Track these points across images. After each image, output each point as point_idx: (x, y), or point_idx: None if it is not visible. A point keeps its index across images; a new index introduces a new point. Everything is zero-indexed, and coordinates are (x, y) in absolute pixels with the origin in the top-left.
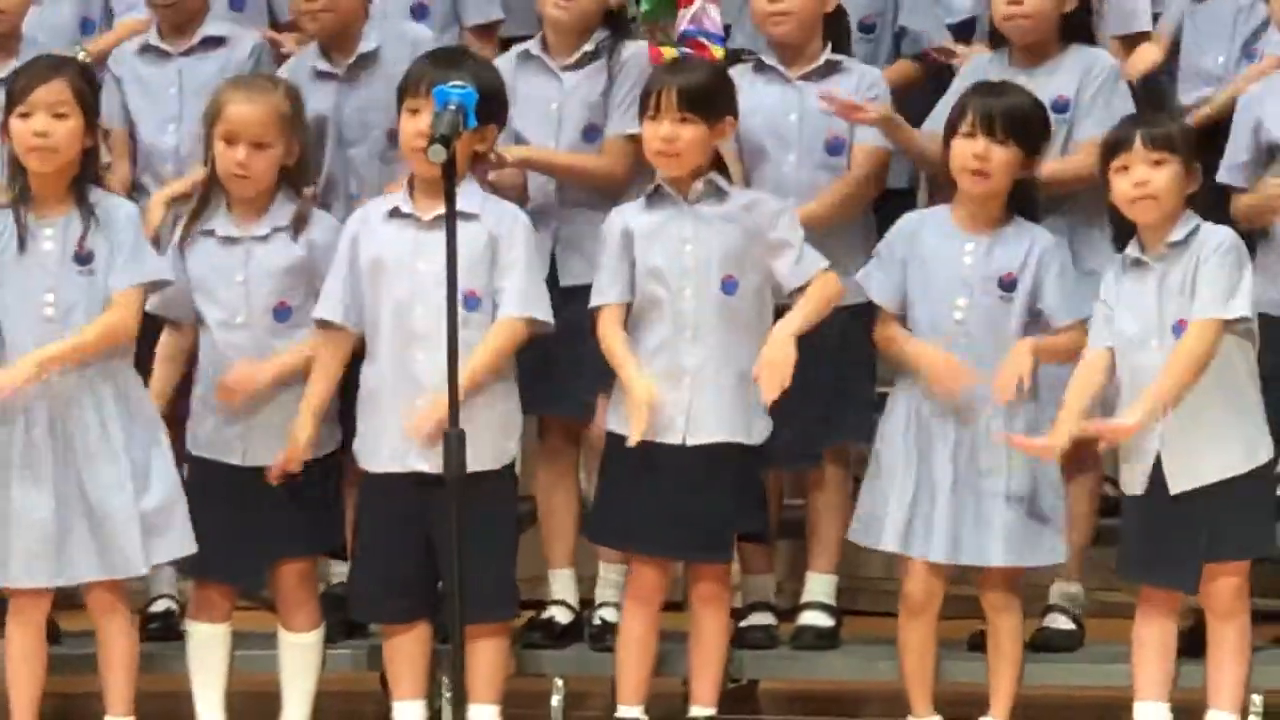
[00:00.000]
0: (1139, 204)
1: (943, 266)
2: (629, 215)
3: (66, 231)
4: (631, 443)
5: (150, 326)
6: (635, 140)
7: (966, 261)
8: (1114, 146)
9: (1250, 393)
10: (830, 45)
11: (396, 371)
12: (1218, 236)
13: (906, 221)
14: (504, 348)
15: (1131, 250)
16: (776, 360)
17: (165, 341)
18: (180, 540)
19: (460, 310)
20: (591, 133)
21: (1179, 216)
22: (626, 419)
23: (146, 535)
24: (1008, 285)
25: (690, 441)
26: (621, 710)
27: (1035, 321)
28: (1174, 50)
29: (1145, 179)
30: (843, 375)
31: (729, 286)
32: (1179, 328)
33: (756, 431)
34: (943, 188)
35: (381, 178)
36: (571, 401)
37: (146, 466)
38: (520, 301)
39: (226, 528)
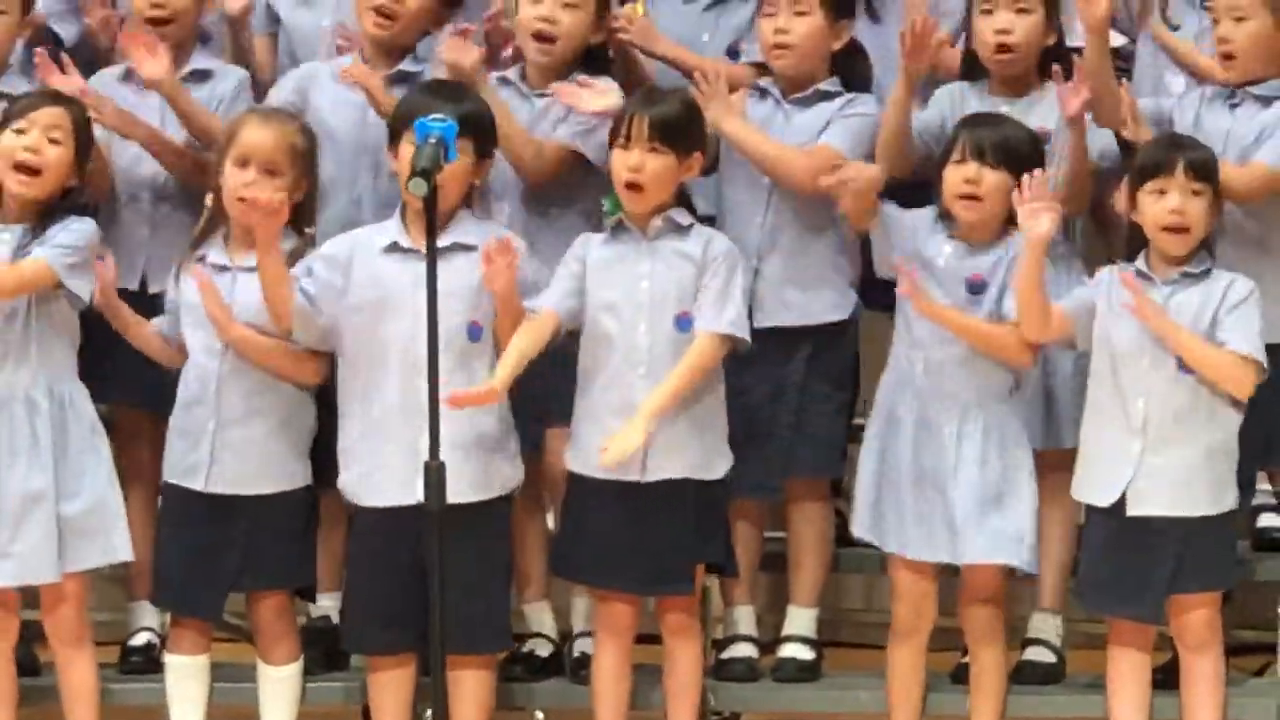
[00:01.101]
0: (1171, 234)
1: (923, 264)
2: (592, 245)
3: (21, 238)
4: (449, 403)
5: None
6: (570, 153)
7: (940, 263)
8: (1152, 169)
9: (1232, 443)
10: (839, 79)
11: (402, 404)
12: (1246, 285)
13: (917, 215)
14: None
15: (1139, 264)
16: (623, 442)
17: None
18: (108, 547)
19: (464, 340)
20: None
21: (1199, 251)
22: (581, 457)
23: (68, 541)
24: (976, 287)
25: (646, 479)
26: None
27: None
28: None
29: (1183, 209)
30: (805, 409)
31: (683, 323)
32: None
33: (716, 467)
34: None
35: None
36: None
37: (79, 472)
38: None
39: (190, 559)
